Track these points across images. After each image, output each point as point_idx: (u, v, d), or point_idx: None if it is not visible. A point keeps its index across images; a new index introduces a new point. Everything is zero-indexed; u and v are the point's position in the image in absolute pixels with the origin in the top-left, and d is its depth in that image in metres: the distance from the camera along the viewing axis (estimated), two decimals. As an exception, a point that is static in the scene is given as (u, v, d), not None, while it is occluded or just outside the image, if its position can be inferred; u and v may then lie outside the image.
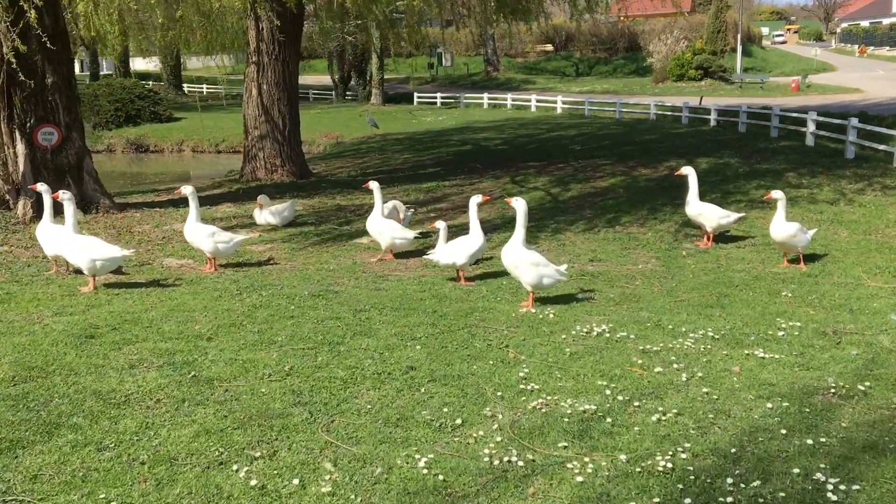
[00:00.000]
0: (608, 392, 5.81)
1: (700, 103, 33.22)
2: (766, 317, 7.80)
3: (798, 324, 7.47)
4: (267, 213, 13.40)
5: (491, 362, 6.52)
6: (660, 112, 32.59)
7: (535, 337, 7.23)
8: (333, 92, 58.10)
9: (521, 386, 5.98)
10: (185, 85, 65.50)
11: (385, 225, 11.02)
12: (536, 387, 5.96)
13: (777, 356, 6.60)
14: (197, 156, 37.74)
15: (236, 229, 13.35)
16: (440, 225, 10.51)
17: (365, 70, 54.26)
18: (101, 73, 63.60)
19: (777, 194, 10.35)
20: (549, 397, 5.77)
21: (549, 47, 78.39)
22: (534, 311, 8.11)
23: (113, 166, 36.47)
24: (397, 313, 8.09)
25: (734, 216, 11.34)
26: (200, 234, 10.36)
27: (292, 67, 18.27)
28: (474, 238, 9.67)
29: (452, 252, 9.68)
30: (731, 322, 7.60)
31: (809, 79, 47.78)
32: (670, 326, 7.43)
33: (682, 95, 41.74)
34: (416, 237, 11.17)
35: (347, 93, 57.72)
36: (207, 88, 64.08)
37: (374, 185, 11.16)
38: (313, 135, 35.79)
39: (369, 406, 5.62)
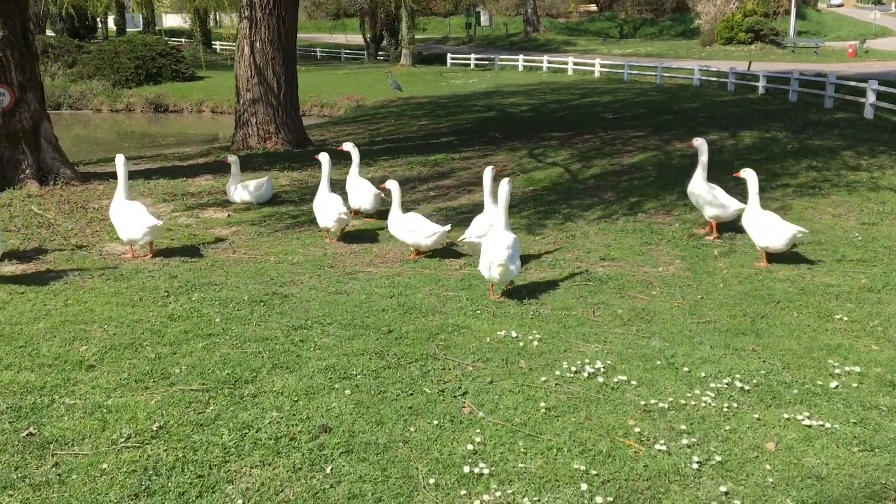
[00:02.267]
0: (584, 487, 4.11)
1: (748, 69, 30.80)
2: (815, 354, 5.99)
3: (857, 368, 5.67)
4: (241, 190, 11.78)
5: (436, 421, 4.85)
6: (704, 77, 30.24)
7: (506, 377, 5.53)
8: (365, 52, 56.16)
9: (467, 468, 4.30)
10: (217, 43, 63.97)
11: (318, 203, 9.71)
12: (487, 470, 4.28)
13: (828, 424, 4.82)
14: (216, 116, 36.30)
15: (205, 207, 11.78)
16: (391, 185, 8.93)
17: (397, 29, 52.16)
18: (131, 29, 62.38)
19: (746, 173, 8.70)
20: (500, 490, 4.10)
21: (593, 7, 75.48)
22: (515, 335, 6.40)
23: (131, 126, 35.30)
24: (344, 332, 6.45)
25: (734, 207, 9.44)
26: (117, 215, 8.93)
27: (289, 23, 16.46)
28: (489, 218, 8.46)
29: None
30: (767, 362, 5.81)
31: (868, 44, 44.71)
32: (685, 368, 5.67)
33: (730, 60, 39.15)
34: (343, 216, 9.54)
35: (380, 53, 55.77)
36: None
37: (322, 156, 9.88)
38: (336, 97, 34.19)
39: (241, 502, 3.99)
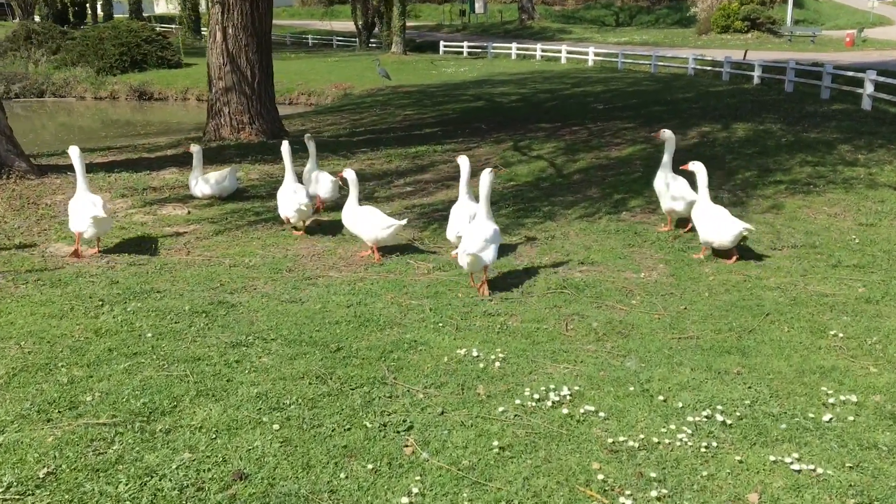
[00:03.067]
0: (531, 554, 3.50)
1: (744, 58, 30.11)
2: (806, 378, 5.38)
3: (853, 397, 5.05)
4: (202, 183, 11.12)
5: (371, 465, 4.22)
6: (699, 67, 29.55)
7: (459, 407, 4.91)
8: (357, 39, 55.32)
9: (398, 526, 3.69)
10: (206, 28, 63.05)
11: (281, 193, 9.36)
12: (421, 529, 3.67)
13: (820, 469, 4.21)
14: (201, 105, 35.45)
15: (164, 203, 11.12)
16: (348, 174, 8.40)
17: (390, 16, 51.31)
18: (118, 14, 61.46)
19: (695, 166, 8.34)
20: (433, 556, 3.48)
21: (589, -6, 74.58)
22: (476, 353, 5.77)
23: (115, 114, 34.53)
24: (287, 350, 5.82)
25: (683, 202, 9.07)
26: (72, 205, 8.44)
27: (263, 8, 15.73)
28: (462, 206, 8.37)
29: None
30: (753, 388, 5.19)
31: (865, 33, 43.98)
32: (661, 396, 5.05)
33: (725, 49, 38.44)
34: (305, 206, 9.13)
35: (371, 40, 54.92)
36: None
37: (283, 145, 9.52)
38: (324, 85, 33.46)
39: (121, 573, 3.38)
